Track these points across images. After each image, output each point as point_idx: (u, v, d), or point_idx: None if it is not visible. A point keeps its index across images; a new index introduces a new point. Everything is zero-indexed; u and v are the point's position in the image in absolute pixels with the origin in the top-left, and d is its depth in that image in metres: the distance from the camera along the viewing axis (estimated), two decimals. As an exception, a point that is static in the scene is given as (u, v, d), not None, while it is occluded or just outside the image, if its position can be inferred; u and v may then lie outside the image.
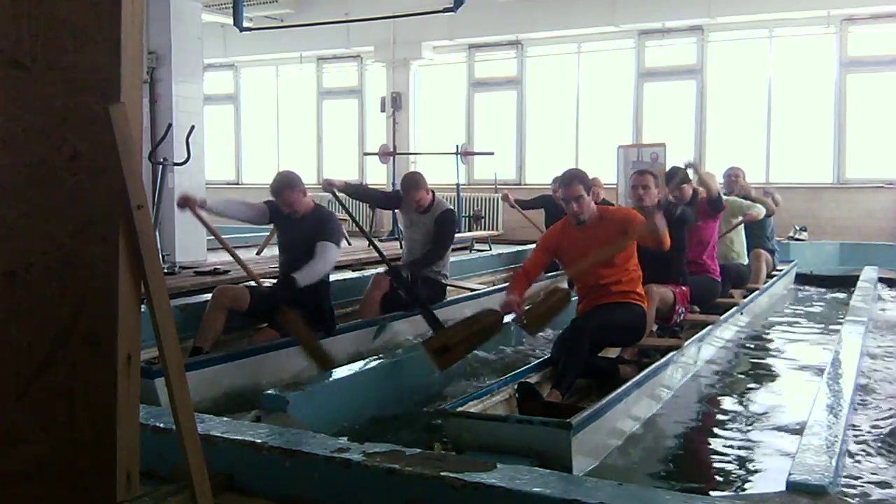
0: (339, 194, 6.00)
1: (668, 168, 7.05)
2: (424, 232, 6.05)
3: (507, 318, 4.56)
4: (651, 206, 5.27)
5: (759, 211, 7.19)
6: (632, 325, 4.60)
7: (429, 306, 5.60)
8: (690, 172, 6.07)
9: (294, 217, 5.15)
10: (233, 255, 5.08)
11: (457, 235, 11.16)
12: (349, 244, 5.82)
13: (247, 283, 5.57)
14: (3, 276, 2.07)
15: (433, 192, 6.15)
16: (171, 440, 2.34)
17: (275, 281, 5.21)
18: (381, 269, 6.40)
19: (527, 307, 4.49)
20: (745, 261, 7.24)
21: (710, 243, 6.13)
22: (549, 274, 6.19)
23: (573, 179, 4.57)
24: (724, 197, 7.01)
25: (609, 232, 4.50)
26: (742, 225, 7.14)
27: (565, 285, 4.71)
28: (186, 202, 4.89)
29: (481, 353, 5.01)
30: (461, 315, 6.64)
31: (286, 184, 5.10)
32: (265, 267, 6.69)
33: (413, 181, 6.08)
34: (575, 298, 4.83)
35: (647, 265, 4.81)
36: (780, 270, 8.50)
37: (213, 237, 5.27)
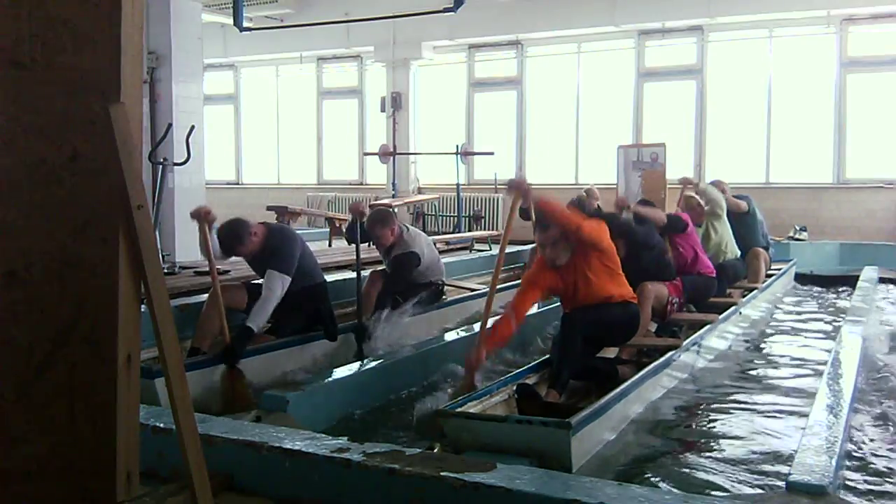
0: (359, 222, 5.88)
1: (668, 168, 7.04)
2: (389, 270, 6.07)
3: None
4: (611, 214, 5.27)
5: (710, 196, 7.09)
6: (625, 321, 4.58)
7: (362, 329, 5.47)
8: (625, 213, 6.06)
9: (251, 259, 5.13)
10: (214, 277, 4.94)
11: (457, 235, 11.24)
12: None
13: (245, 283, 5.57)
14: (3, 276, 2.07)
15: (401, 231, 6.04)
16: (171, 440, 2.34)
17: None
18: (378, 267, 6.41)
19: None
20: (738, 253, 7.23)
21: (695, 247, 6.16)
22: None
23: (548, 224, 4.46)
24: (702, 189, 7.03)
25: (581, 254, 4.42)
26: (725, 223, 7.11)
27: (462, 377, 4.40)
28: (199, 217, 4.77)
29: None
30: (461, 315, 6.68)
31: (234, 239, 4.95)
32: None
33: (379, 218, 6.01)
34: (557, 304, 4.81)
35: (639, 271, 4.88)
36: (777, 268, 8.50)
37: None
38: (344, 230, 6.86)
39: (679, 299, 5.49)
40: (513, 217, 4.61)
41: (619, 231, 4.71)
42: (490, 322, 4.47)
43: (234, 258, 5.31)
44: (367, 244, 6.21)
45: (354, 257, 5.76)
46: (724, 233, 7.06)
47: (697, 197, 7.07)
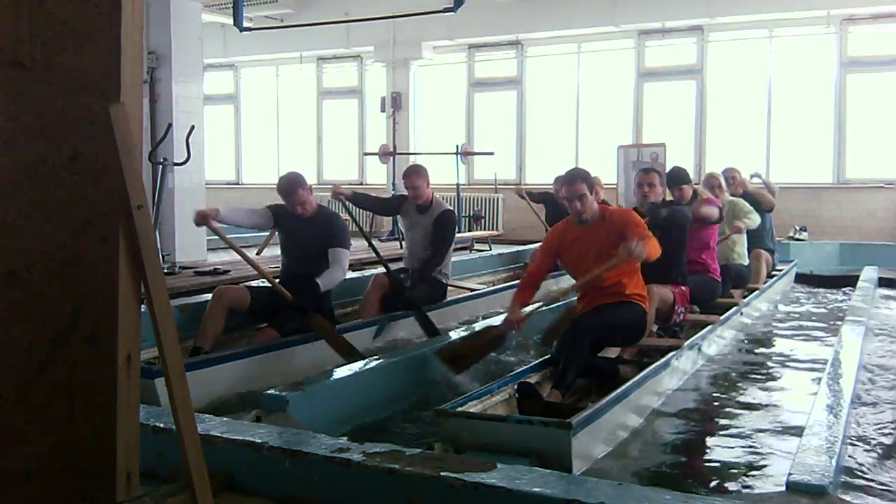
0: (347, 203, 6.01)
1: (668, 168, 7.03)
2: (424, 232, 6.06)
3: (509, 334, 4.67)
4: (644, 209, 5.28)
5: (752, 222, 7.13)
6: (632, 325, 4.61)
7: (423, 310, 5.63)
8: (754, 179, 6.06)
9: (300, 218, 5.18)
10: (248, 259, 5.06)
11: (457, 235, 11.24)
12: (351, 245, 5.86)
13: (247, 283, 5.58)
14: (3, 276, 2.07)
15: (433, 193, 6.16)
16: (171, 440, 2.34)
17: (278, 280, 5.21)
18: (381, 269, 6.40)
19: (457, 344, 4.69)
20: (746, 261, 7.23)
21: (710, 243, 6.13)
22: (553, 273, 6.18)
23: (576, 178, 4.59)
24: (729, 198, 7.02)
25: (610, 233, 4.49)
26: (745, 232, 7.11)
27: (499, 326, 4.69)
28: (203, 219, 4.86)
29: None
30: (461, 315, 6.68)
31: (297, 182, 5.18)
32: (266, 267, 6.68)
33: (415, 170, 6.17)
34: (574, 299, 4.85)
35: (647, 265, 4.80)
36: (780, 270, 8.50)
37: (214, 237, 5.27)
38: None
39: (685, 310, 5.45)
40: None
41: (658, 223, 4.83)
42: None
43: (233, 259, 5.32)
44: (365, 212, 6.26)
45: (355, 258, 5.79)
46: (740, 236, 7.06)
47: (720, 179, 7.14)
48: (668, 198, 5.75)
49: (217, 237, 5.08)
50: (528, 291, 4.73)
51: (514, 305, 4.64)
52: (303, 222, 5.20)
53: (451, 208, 6.20)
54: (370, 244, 6.12)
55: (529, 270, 4.91)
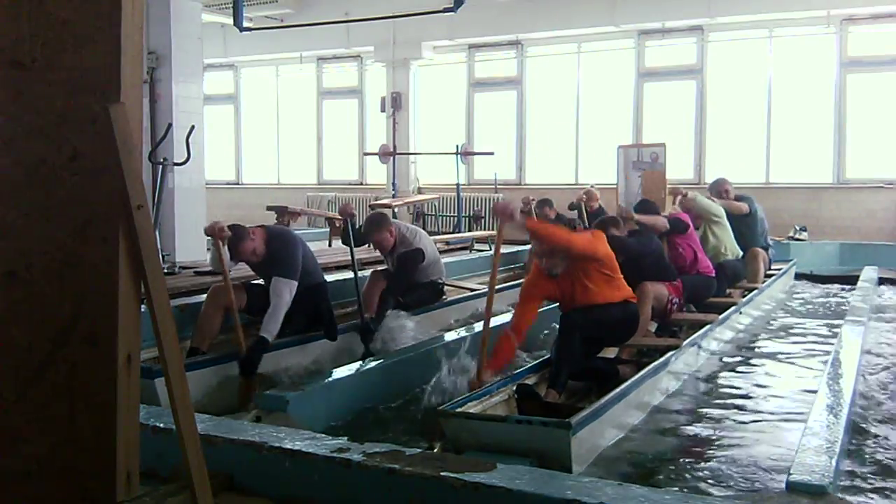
0: (349, 226, 5.88)
1: (667, 168, 7.03)
2: (395, 270, 6.07)
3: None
4: (615, 238, 5.22)
5: (697, 200, 7.05)
6: (623, 321, 4.58)
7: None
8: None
9: (254, 264, 5.15)
10: (229, 296, 4.90)
11: (457, 235, 11.23)
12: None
13: (244, 281, 5.58)
14: (3, 276, 2.07)
15: (400, 230, 6.07)
16: (171, 440, 2.34)
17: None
18: (379, 266, 6.40)
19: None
20: (739, 253, 7.23)
21: (694, 247, 6.16)
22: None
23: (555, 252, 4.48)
24: (693, 199, 6.98)
25: (580, 264, 4.44)
26: (725, 224, 7.10)
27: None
28: (217, 234, 4.83)
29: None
30: (461, 315, 6.68)
31: (239, 237, 4.98)
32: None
33: (375, 223, 6.02)
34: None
35: (639, 270, 4.88)
36: (777, 268, 8.50)
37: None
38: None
39: (679, 299, 5.50)
40: (500, 243, 4.66)
41: (614, 246, 4.72)
42: (489, 339, 4.47)
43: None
44: (367, 245, 6.20)
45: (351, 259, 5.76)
46: (723, 236, 7.05)
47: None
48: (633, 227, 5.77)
49: (215, 248, 4.98)
50: (510, 349, 4.40)
51: (485, 370, 4.24)
52: (257, 266, 5.20)
53: (418, 247, 6.00)
54: (355, 276, 5.89)
55: (514, 323, 4.51)
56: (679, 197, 7.20)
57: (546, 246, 4.43)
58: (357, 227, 6.04)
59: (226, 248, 4.92)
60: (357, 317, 5.58)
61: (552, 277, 4.49)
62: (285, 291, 4.86)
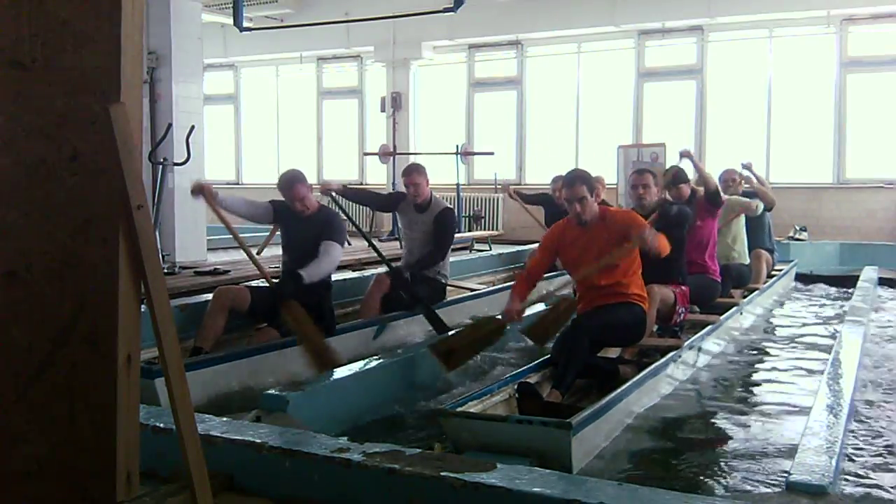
0: (336, 197, 5.99)
1: (666, 168, 7.04)
2: (424, 231, 6.05)
3: (508, 326, 4.61)
4: (651, 205, 5.29)
5: (757, 203, 7.16)
6: (632, 325, 4.61)
7: (430, 307, 5.61)
8: (687, 164, 6.08)
9: (300, 216, 5.17)
10: (242, 244, 5.04)
11: (457, 235, 11.22)
12: (349, 244, 5.83)
13: (247, 283, 5.57)
14: (3, 276, 2.07)
15: (432, 192, 6.15)
16: (171, 440, 2.34)
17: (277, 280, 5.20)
18: (381, 269, 6.39)
19: (528, 317, 4.63)
20: (746, 260, 7.23)
21: (709, 243, 6.12)
22: (549, 274, 6.18)
23: (576, 180, 4.58)
24: (726, 197, 7.00)
25: (611, 234, 4.50)
26: (743, 223, 7.11)
27: (569, 293, 4.74)
28: (201, 189, 4.90)
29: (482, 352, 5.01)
30: (461, 315, 6.67)
31: (296, 178, 5.19)
32: (266, 266, 6.70)
33: (415, 167, 6.15)
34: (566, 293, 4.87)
35: (647, 265, 4.80)
36: (780, 270, 8.50)
37: (214, 237, 5.25)
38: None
39: (685, 310, 5.45)
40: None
41: (666, 218, 4.86)
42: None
43: (233, 259, 5.31)
44: (366, 245, 6.21)
45: (355, 258, 5.77)
46: (739, 233, 7.05)
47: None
48: (667, 197, 5.75)
49: (216, 237, 5.04)
50: (526, 285, 4.75)
51: (513, 298, 4.64)
52: (302, 220, 5.19)
53: (451, 206, 6.19)
54: (368, 241, 6.10)
55: (528, 266, 4.92)
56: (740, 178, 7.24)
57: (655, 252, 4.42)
58: (343, 189, 6.14)
59: (223, 201, 5.03)
60: (354, 317, 5.60)
61: (580, 227, 4.59)
62: (337, 254, 5.09)
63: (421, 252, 6.02)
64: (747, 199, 7.25)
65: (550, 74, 13.80)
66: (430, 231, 6.02)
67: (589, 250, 4.53)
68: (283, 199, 5.30)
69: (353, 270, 7.65)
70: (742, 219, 7.11)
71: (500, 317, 4.60)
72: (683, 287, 5.41)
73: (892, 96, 11.47)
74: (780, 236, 10.54)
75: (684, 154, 6.35)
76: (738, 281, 7.03)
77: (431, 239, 6.01)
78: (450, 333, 4.97)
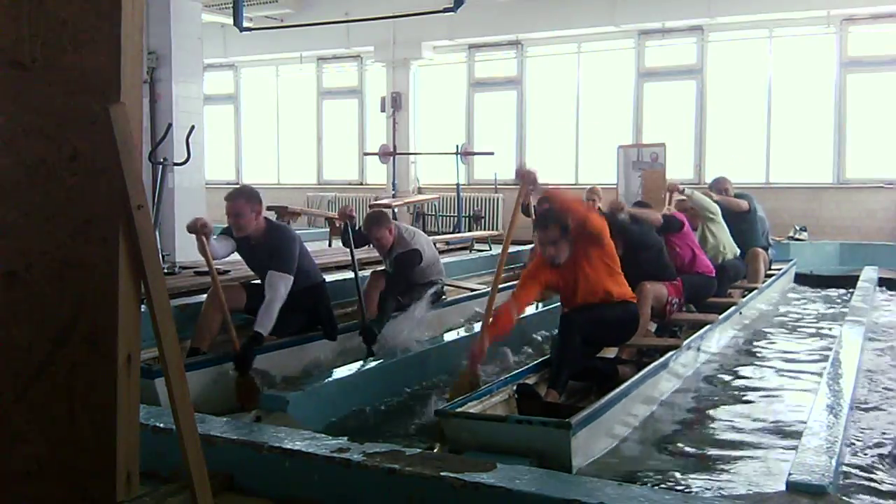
0: (349, 227, 5.85)
1: (668, 168, 7.01)
2: (392, 270, 6.05)
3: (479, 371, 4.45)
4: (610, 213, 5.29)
5: (696, 198, 7.01)
6: (624, 321, 4.58)
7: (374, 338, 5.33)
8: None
9: (249, 242, 5.00)
10: (216, 285, 4.83)
11: (457, 235, 11.24)
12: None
13: (243, 282, 5.57)
14: (3, 276, 2.07)
15: (399, 230, 6.02)
16: (171, 440, 2.34)
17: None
18: (378, 267, 6.40)
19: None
20: (737, 252, 7.20)
21: (692, 246, 6.15)
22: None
23: (548, 223, 4.47)
24: (690, 196, 6.94)
25: (582, 249, 4.43)
26: (718, 225, 7.04)
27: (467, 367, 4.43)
28: (196, 231, 4.71)
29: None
30: (462, 315, 6.68)
31: (241, 193, 4.95)
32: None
33: (374, 220, 5.99)
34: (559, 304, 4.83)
35: (638, 267, 4.88)
36: (778, 269, 8.50)
37: (214, 237, 5.18)
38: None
39: (679, 299, 5.50)
40: (517, 210, 4.62)
41: (616, 229, 4.71)
42: (493, 312, 4.55)
43: (233, 259, 5.29)
44: (367, 245, 6.19)
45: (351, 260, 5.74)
46: (721, 235, 7.03)
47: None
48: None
49: (199, 244, 4.88)
50: (508, 319, 4.40)
51: (483, 337, 4.37)
52: (252, 247, 5.03)
53: (415, 248, 5.94)
54: (356, 277, 5.86)
55: (516, 297, 4.50)
56: (675, 193, 7.15)
57: (564, 209, 4.36)
58: (357, 228, 6.02)
59: (209, 244, 4.83)
60: (357, 317, 5.58)
61: (554, 267, 4.49)
62: (280, 285, 4.77)
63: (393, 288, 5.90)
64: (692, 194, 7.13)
65: (550, 74, 13.80)
66: (393, 271, 5.98)
67: (570, 284, 4.48)
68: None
69: (351, 271, 7.63)
70: (719, 224, 7.04)
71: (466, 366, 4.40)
72: (675, 281, 5.46)
73: (892, 96, 11.46)
74: (780, 236, 10.54)
75: (613, 206, 6.21)
76: (734, 275, 7.03)
77: (391, 279, 5.91)
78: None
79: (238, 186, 5.16)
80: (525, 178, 4.41)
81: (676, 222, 6.09)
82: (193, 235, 4.80)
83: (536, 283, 4.55)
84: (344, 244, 6.09)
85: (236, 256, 5.24)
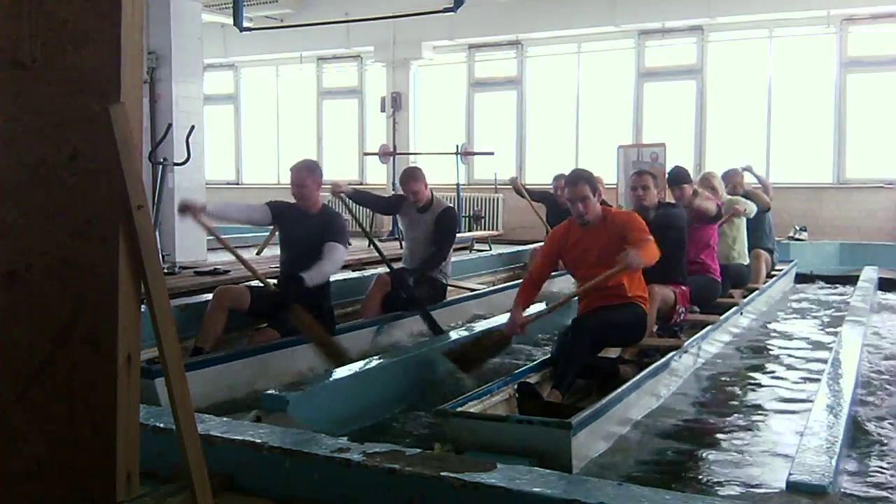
0: (346, 199, 6.01)
1: (668, 168, 7.04)
2: (425, 231, 6.07)
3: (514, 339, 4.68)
4: (650, 208, 5.31)
5: (748, 207, 7.12)
6: (633, 325, 4.61)
7: (427, 309, 5.61)
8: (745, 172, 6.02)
9: (302, 214, 5.15)
10: (236, 255, 5.07)
11: (457, 235, 11.23)
12: (350, 245, 5.85)
13: (247, 283, 5.57)
14: (3, 276, 2.07)
15: (432, 191, 6.17)
16: (171, 440, 2.34)
17: (277, 280, 5.20)
18: (382, 269, 6.40)
19: (456, 341, 4.70)
20: (746, 261, 7.23)
21: (710, 243, 6.13)
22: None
23: (579, 179, 4.57)
24: (727, 197, 7.00)
25: (611, 235, 4.49)
26: (743, 224, 7.10)
27: (502, 329, 4.67)
28: (187, 208, 4.81)
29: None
30: (462, 315, 6.67)
31: (306, 167, 5.18)
32: (265, 267, 6.69)
33: (411, 174, 6.18)
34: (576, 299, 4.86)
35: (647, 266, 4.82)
36: (780, 270, 8.50)
37: (213, 237, 5.25)
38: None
39: (685, 310, 5.45)
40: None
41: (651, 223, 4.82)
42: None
43: (233, 259, 5.29)
44: (367, 245, 6.23)
45: (355, 258, 5.77)
46: (740, 234, 7.05)
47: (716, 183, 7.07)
48: (669, 199, 5.75)
49: (200, 224, 5.00)
50: (530, 292, 4.72)
51: (516, 308, 4.61)
52: (304, 218, 5.16)
53: (452, 206, 6.21)
54: (371, 242, 6.12)
55: (530, 271, 4.91)
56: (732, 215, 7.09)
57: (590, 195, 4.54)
58: (353, 192, 6.16)
59: (215, 212, 5.01)
60: (359, 316, 5.61)
61: (582, 226, 4.58)
62: (338, 255, 5.02)
63: (423, 252, 6.03)
64: (744, 200, 7.23)
65: (550, 74, 13.80)
66: (431, 231, 6.04)
67: (591, 251, 4.53)
68: (281, 199, 5.28)
69: (354, 270, 7.64)
70: (742, 220, 7.10)
71: (503, 328, 4.63)
72: (683, 287, 5.41)
73: (892, 96, 11.47)
74: (780, 236, 10.53)
75: (746, 169, 6.36)
76: (737, 281, 7.03)
77: (432, 238, 6.02)
78: (459, 340, 5.06)
79: (301, 161, 5.30)
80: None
81: (719, 214, 6.12)
82: (195, 231, 4.85)
83: (553, 255, 4.76)
84: (351, 213, 6.20)
85: (233, 257, 5.23)
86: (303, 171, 5.14)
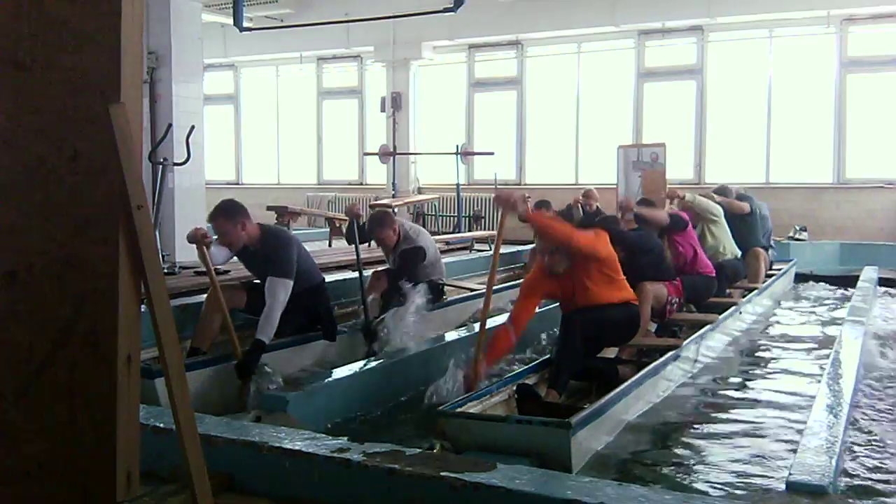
0: (356, 225, 5.92)
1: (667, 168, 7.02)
2: (395, 264, 6.10)
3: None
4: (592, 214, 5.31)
5: (698, 201, 7.02)
6: (624, 321, 4.58)
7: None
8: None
9: (246, 250, 5.01)
10: (217, 293, 4.79)
11: (457, 236, 11.24)
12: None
13: (243, 281, 5.57)
14: (3, 276, 2.06)
15: (400, 228, 6.09)
16: (171, 440, 2.34)
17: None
18: (380, 267, 6.41)
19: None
20: (738, 253, 7.21)
21: (694, 245, 6.16)
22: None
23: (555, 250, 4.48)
24: (692, 200, 6.95)
25: (582, 263, 4.44)
26: (720, 227, 7.05)
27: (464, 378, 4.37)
28: (196, 240, 4.72)
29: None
30: (462, 315, 6.68)
31: (219, 211, 4.92)
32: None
33: (379, 220, 6.09)
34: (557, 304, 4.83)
35: (639, 269, 4.88)
36: (778, 269, 8.50)
37: (213, 237, 5.19)
38: (344, 231, 6.88)
39: (679, 299, 5.50)
40: (501, 236, 4.62)
41: (615, 238, 4.72)
42: (486, 334, 4.48)
43: (233, 259, 5.29)
44: (366, 244, 6.22)
45: (355, 257, 5.77)
46: (722, 236, 7.03)
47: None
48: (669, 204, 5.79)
49: (199, 252, 4.87)
50: (507, 342, 4.39)
51: (480, 361, 4.28)
52: (250, 255, 5.04)
53: (419, 245, 6.02)
54: (360, 275, 5.90)
55: (513, 318, 4.50)
56: (676, 200, 7.18)
57: (547, 240, 4.42)
58: (362, 225, 6.09)
59: (210, 252, 4.83)
60: (360, 316, 5.58)
61: (554, 275, 4.49)
62: (280, 291, 4.76)
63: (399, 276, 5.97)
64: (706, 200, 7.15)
65: (550, 74, 13.80)
66: (398, 265, 6.04)
67: (572, 286, 4.48)
68: None
69: (353, 270, 7.64)
70: (720, 224, 7.04)
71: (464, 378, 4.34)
72: (675, 281, 5.47)
73: (892, 96, 11.47)
74: (780, 236, 10.54)
75: (622, 205, 6.29)
76: (733, 275, 7.04)
77: (400, 271, 5.96)
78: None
79: (218, 204, 4.97)
80: (504, 202, 4.33)
81: (682, 221, 6.12)
82: (198, 253, 4.81)
83: (535, 296, 4.57)
84: (348, 241, 6.16)
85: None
86: (219, 219, 4.88)
